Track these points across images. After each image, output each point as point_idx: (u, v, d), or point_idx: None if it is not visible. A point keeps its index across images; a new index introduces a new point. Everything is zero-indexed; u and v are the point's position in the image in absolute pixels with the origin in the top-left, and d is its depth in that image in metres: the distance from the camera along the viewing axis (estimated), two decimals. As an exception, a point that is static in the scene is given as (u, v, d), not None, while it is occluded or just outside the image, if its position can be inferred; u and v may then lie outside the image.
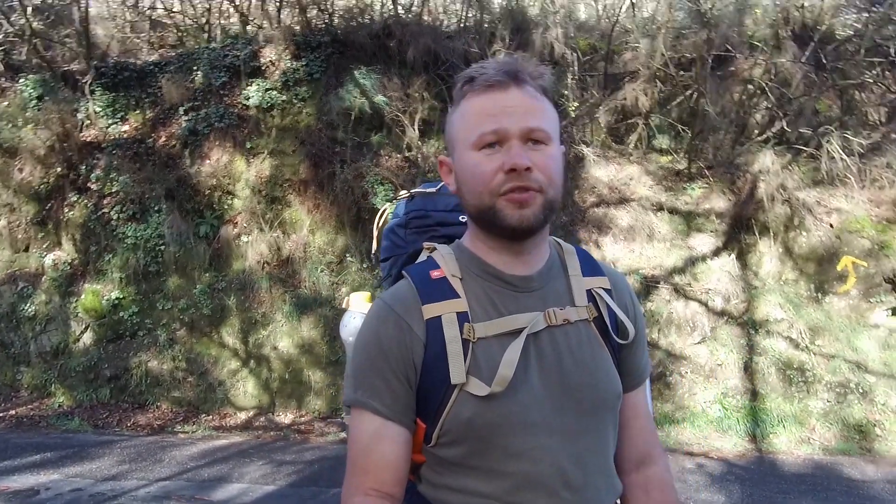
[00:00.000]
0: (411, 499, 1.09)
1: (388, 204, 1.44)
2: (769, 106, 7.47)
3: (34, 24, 8.11)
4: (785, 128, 7.15)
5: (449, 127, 1.10)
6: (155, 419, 6.46)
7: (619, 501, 1.15)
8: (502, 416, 0.99)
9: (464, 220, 1.21)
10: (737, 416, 5.78)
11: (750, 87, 7.49)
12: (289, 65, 7.78)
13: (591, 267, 1.16)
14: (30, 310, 7.28)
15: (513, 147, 1.00)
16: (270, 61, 7.90)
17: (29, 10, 8.14)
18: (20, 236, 7.59)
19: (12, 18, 8.34)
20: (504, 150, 1.00)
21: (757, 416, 5.75)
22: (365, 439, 1.03)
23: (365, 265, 6.96)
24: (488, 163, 1.00)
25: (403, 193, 1.39)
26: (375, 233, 1.44)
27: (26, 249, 7.64)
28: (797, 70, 7.48)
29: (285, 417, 6.49)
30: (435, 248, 1.14)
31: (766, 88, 7.28)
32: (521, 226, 1.01)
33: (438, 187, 1.36)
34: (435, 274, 1.08)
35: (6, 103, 7.88)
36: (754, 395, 5.90)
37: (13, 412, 6.69)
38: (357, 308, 1.37)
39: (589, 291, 1.12)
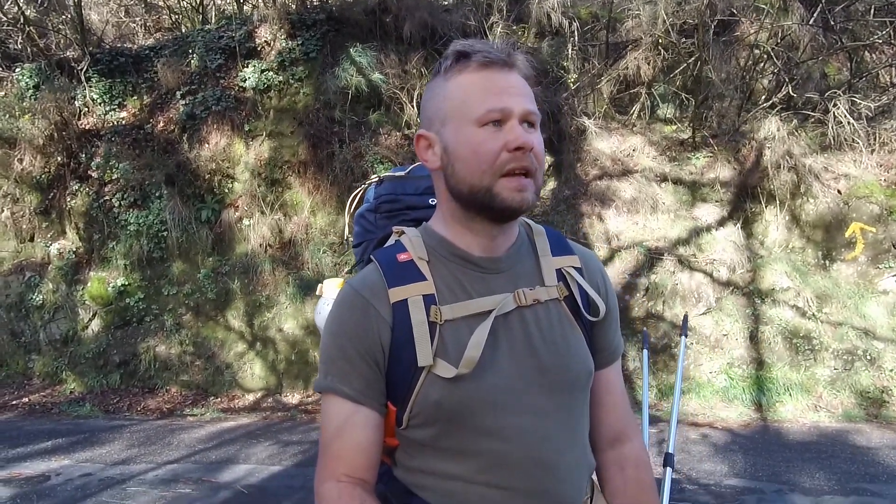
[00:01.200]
0: (387, 482, 1.09)
1: (359, 189, 1.42)
2: (775, 71, 7.29)
3: (28, 13, 8.04)
4: (791, 93, 6.99)
5: (437, 100, 1.05)
6: (164, 403, 6.55)
7: (594, 477, 1.15)
8: (470, 398, 0.99)
9: (433, 203, 1.18)
10: (742, 386, 5.76)
11: (756, 52, 7.31)
12: (284, 44, 7.68)
13: (560, 246, 1.15)
14: (38, 299, 7.36)
15: (515, 127, 0.98)
16: (266, 42, 7.81)
17: (21, -3, 8.08)
18: (24, 226, 7.65)
19: (6, 7, 8.28)
20: (506, 130, 0.98)
21: (763, 385, 5.73)
22: (336, 424, 1.03)
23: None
24: (493, 141, 0.98)
25: (374, 178, 1.37)
26: (347, 218, 1.42)
27: (31, 239, 7.70)
28: (804, 33, 7.28)
29: (292, 398, 6.56)
30: (403, 232, 1.13)
31: (772, 53, 7.10)
32: (521, 209, 1.01)
33: (408, 170, 1.34)
34: (402, 257, 1.07)
35: (3, 94, 7.87)
36: (760, 364, 5.87)
37: (26, 400, 6.81)
38: (330, 295, 1.36)
39: (559, 271, 1.11)
